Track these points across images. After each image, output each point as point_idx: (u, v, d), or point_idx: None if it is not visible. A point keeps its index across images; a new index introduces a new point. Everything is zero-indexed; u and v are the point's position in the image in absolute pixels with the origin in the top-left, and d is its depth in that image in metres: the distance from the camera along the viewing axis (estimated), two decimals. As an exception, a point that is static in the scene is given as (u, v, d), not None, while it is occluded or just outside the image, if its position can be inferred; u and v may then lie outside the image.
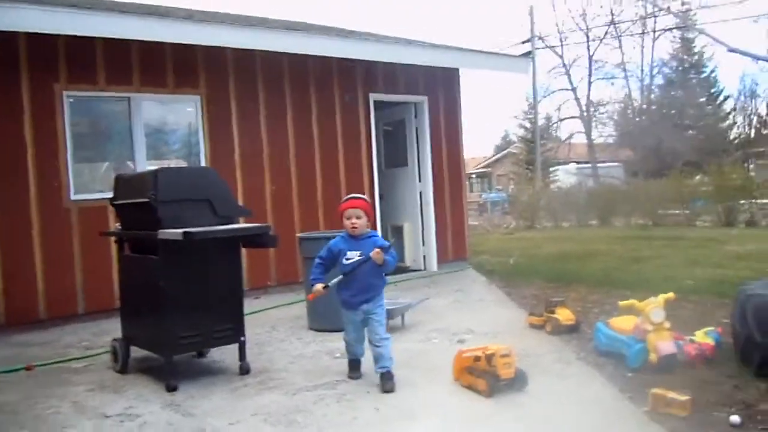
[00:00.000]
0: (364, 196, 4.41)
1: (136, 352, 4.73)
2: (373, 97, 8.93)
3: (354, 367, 4.39)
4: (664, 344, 4.16)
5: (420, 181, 9.56)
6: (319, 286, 4.10)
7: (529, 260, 10.36)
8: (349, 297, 4.15)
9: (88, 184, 7.12)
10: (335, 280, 4.10)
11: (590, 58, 37.18)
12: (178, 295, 4.28)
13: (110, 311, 6.10)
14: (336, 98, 8.65)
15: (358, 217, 4.16)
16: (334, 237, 5.76)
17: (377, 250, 4.01)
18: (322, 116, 8.51)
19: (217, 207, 4.46)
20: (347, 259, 4.12)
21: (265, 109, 8.06)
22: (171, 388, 4.21)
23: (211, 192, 4.49)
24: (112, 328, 5.38)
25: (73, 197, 6.75)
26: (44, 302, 6.51)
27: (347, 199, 4.26)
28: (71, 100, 6.82)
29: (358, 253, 4.10)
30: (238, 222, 4.82)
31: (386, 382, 4.06)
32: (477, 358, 4.01)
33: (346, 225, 4.17)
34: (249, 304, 6.93)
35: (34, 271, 6.48)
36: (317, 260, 4.22)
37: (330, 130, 8.59)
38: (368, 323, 4.18)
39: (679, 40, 38.33)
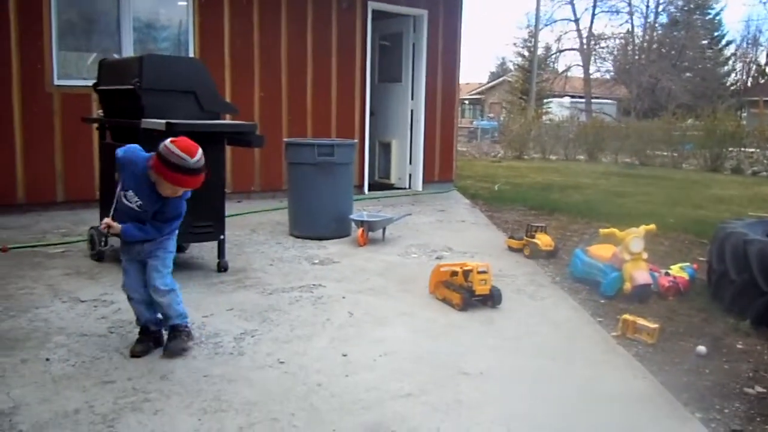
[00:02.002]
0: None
1: (114, 242, 4.69)
2: (371, 5, 8.63)
3: (141, 338, 3.18)
4: (640, 274, 4.20)
5: (412, 99, 9.40)
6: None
7: (513, 188, 10.37)
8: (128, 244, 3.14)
9: (73, 72, 6.89)
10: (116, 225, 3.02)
11: (596, -12, 36.19)
12: (159, 188, 4.21)
13: (90, 201, 6.03)
14: (333, 3, 8.34)
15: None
16: (321, 144, 5.73)
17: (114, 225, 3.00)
18: (318, 23, 8.24)
19: (203, 101, 4.34)
20: (126, 198, 3.01)
21: (258, 11, 7.76)
22: (147, 279, 4.18)
23: (198, 85, 4.35)
24: (91, 218, 5.33)
25: (56, 82, 6.55)
26: (23, 187, 6.42)
27: (193, 173, 2.96)
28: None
29: (139, 203, 3.00)
30: (223, 119, 4.71)
31: (171, 342, 3.14)
32: (454, 273, 4.04)
33: (163, 190, 2.96)
34: (231, 207, 6.90)
35: (13, 155, 6.35)
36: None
37: (325, 38, 8.33)
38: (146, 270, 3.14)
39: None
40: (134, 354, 3.08)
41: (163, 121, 3.92)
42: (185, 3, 7.38)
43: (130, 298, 3.17)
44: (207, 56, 7.31)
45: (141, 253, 3.11)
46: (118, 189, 3.03)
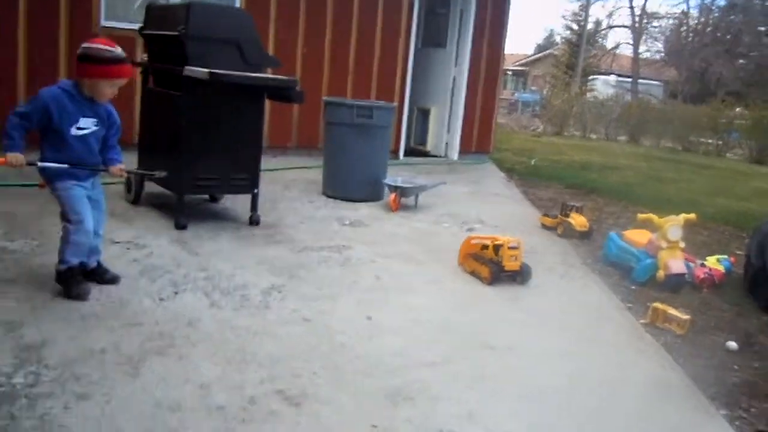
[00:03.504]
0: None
1: (151, 188, 4.75)
2: (422, -34, 8.45)
3: (78, 278, 3.07)
4: (675, 263, 4.12)
5: (456, 65, 9.23)
6: (19, 157, 2.86)
7: (551, 164, 10.20)
8: (81, 172, 3.05)
9: (120, 14, 6.89)
10: (52, 165, 2.97)
11: (655, -35, 34.96)
12: (197, 136, 4.23)
13: (130, 145, 6.06)
14: (384, -39, 8.19)
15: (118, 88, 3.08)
16: (360, 106, 5.68)
17: (121, 168, 3.16)
18: (367, -21, 8.10)
19: (247, 53, 4.31)
20: (79, 128, 2.99)
21: (308, -38, 7.66)
22: (180, 226, 4.24)
23: (243, 36, 4.32)
24: (130, 162, 5.36)
25: (103, 23, 6.57)
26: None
27: (124, 61, 3.05)
28: None
29: (94, 121, 3.04)
30: (265, 72, 4.68)
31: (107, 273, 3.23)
32: (485, 247, 3.99)
33: (103, 92, 2.99)
34: (266, 162, 6.92)
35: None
36: (17, 118, 2.87)
37: (372, -2, 8.20)
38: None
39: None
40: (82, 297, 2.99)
41: (206, 70, 3.90)
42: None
43: (88, 231, 3.03)
44: (252, 8, 7.24)
45: (95, 184, 3.15)
46: (63, 128, 2.94)
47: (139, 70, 4.85)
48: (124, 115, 6.30)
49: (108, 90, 3.01)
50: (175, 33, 4.11)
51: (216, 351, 2.67)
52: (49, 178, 3.01)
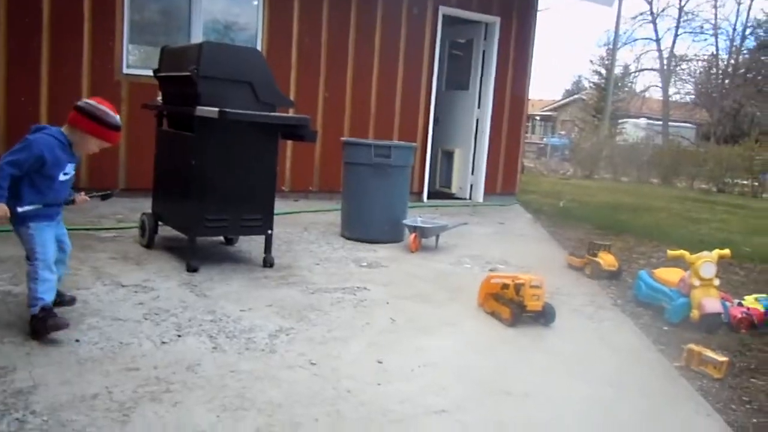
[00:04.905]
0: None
1: (166, 231, 4.68)
2: (442, 10, 8.46)
3: (53, 312, 2.98)
4: (710, 302, 3.86)
5: (479, 107, 9.16)
6: (5, 208, 2.81)
7: (580, 206, 9.97)
8: (53, 210, 3.06)
9: (141, 61, 7.00)
10: (31, 208, 2.93)
11: (681, 8, 34.99)
12: (210, 177, 4.16)
13: (149, 190, 6.06)
14: (403, 6, 8.22)
15: None
16: (378, 145, 5.59)
17: (82, 196, 3.21)
18: (387, 25, 8.14)
19: (259, 92, 4.25)
20: (65, 174, 3.02)
21: (328, 10, 7.72)
22: (191, 269, 4.14)
23: (255, 75, 4.27)
24: (147, 205, 5.34)
25: (125, 71, 6.67)
26: (85, 173, 6.51)
27: (120, 129, 3.13)
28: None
29: (73, 166, 3.07)
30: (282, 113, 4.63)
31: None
32: (505, 286, 3.80)
33: (90, 148, 3.10)
34: (287, 205, 6.88)
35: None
36: (9, 167, 2.82)
37: (393, 41, 8.22)
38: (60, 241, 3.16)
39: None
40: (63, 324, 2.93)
41: (216, 109, 3.85)
42: (256, 2, 7.40)
43: (53, 272, 2.99)
44: (274, 53, 7.31)
45: (59, 220, 3.13)
46: (54, 174, 2.96)
47: (154, 114, 4.85)
48: (143, 159, 6.33)
49: (94, 148, 3.12)
50: (188, 73, 4.09)
51: (213, 396, 2.51)
52: (22, 219, 2.93)
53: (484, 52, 9.04)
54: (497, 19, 8.90)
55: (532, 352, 3.35)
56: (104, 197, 3.38)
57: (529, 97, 10.01)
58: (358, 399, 2.60)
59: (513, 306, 3.66)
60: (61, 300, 3.23)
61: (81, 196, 3.21)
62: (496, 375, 2.99)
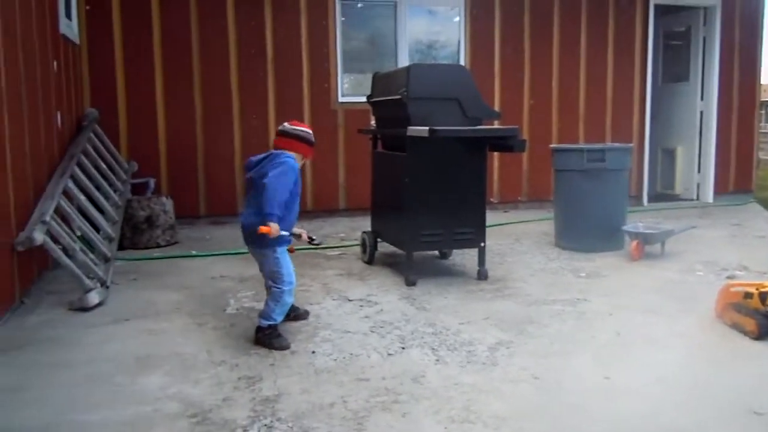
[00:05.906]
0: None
1: (385, 247, 4.93)
2: (654, 0, 7.93)
3: (279, 332, 3.32)
4: None
5: (702, 99, 8.41)
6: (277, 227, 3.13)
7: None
8: (289, 237, 3.37)
9: (352, 89, 7.45)
10: (287, 234, 3.26)
11: None
12: (422, 193, 4.30)
13: (367, 209, 6.43)
14: (610, 2, 7.85)
15: None
16: (590, 150, 5.38)
17: (308, 236, 3.46)
18: (593, 22, 7.84)
19: (466, 107, 4.32)
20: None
21: (530, 16, 7.64)
22: (410, 283, 4.30)
23: (461, 91, 4.35)
24: (366, 224, 5.66)
25: (340, 100, 7.15)
26: (311, 195, 7.09)
27: (313, 143, 3.44)
28: (342, 3, 7.13)
29: None
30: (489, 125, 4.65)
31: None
32: (748, 295, 3.42)
33: (299, 162, 3.34)
34: (497, 217, 6.87)
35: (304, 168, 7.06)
36: (285, 194, 3.20)
37: (600, 38, 7.88)
38: None
39: None
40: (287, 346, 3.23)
41: (426, 128, 3.97)
42: (458, 18, 7.53)
43: (292, 298, 3.39)
44: (477, 66, 7.37)
45: None
46: (297, 196, 3.32)
47: (369, 137, 5.14)
48: (361, 181, 6.70)
49: (301, 162, 3.38)
50: (398, 96, 4.28)
51: (440, 408, 2.57)
52: (272, 242, 3.23)
53: (704, 38, 8.30)
54: (717, 2, 8.13)
55: (786, 368, 2.98)
56: (317, 244, 3.57)
57: (762, 82, 8.97)
58: (587, 415, 2.50)
59: (759, 317, 3.28)
60: (296, 314, 3.60)
61: (305, 234, 3.44)
62: (741, 393, 2.69)
